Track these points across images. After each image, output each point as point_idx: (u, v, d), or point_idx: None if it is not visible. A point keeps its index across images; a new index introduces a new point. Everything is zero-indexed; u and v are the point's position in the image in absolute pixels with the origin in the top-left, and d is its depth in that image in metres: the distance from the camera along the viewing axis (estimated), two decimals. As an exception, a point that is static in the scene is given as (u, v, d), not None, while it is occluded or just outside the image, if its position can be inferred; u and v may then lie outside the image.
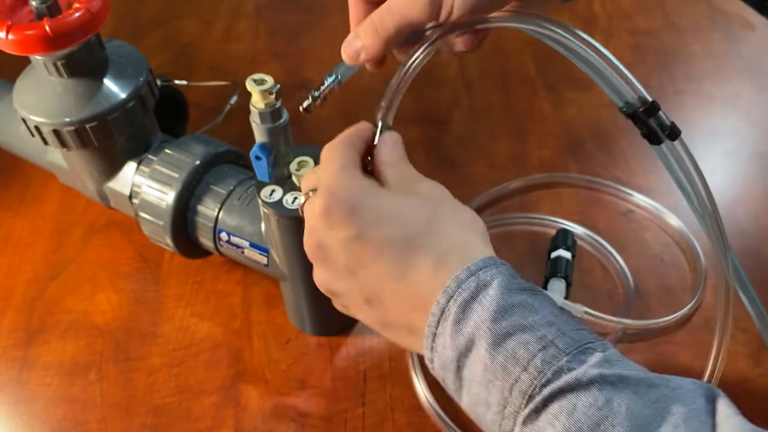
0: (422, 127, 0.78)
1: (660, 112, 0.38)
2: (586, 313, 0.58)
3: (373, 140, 0.40)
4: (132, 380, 0.57)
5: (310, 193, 0.38)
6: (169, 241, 0.56)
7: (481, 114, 0.80)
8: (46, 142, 0.55)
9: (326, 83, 0.41)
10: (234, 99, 0.75)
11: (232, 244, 0.55)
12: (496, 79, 0.83)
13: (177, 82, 0.70)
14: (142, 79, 0.55)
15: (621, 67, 0.37)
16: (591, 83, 0.89)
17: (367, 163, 0.39)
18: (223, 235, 0.55)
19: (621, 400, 0.28)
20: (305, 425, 0.54)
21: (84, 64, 0.53)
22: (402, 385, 0.56)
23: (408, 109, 0.80)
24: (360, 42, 0.39)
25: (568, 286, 0.61)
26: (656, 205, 0.67)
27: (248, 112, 0.46)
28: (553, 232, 0.65)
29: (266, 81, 0.44)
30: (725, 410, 0.29)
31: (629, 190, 0.68)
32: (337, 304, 0.39)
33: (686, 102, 0.80)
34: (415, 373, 0.56)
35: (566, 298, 0.59)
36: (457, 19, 0.37)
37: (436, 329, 0.32)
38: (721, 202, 0.69)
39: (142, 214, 0.56)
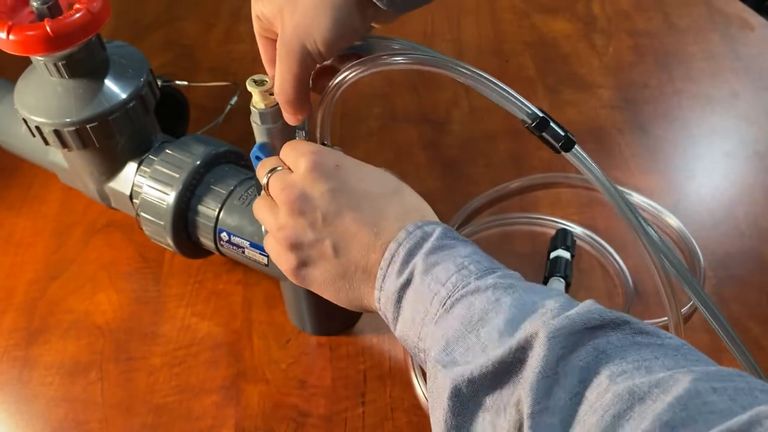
0: (422, 127, 0.79)
1: (552, 125, 0.40)
2: (586, 312, 0.58)
3: None
4: (133, 380, 0.58)
5: (272, 173, 0.43)
6: (169, 241, 0.56)
7: (481, 114, 0.80)
8: (47, 143, 0.55)
9: (299, 136, 0.46)
10: (234, 99, 0.76)
11: (233, 244, 0.55)
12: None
13: (178, 82, 0.71)
14: (142, 79, 0.56)
15: (506, 88, 0.41)
16: (590, 84, 0.90)
17: None
18: (224, 235, 0.55)
19: (507, 297, 0.35)
20: (305, 424, 0.54)
21: (85, 64, 0.53)
22: (402, 385, 0.56)
23: (408, 110, 0.81)
24: (288, 107, 0.43)
25: (568, 285, 0.61)
26: (655, 205, 0.67)
27: (248, 113, 0.46)
28: (553, 232, 0.66)
29: (266, 81, 0.44)
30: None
31: (628, 191, 0.69)
32: (294, 261, 0.42)
33: (685, 102, 0.80)
34: (415, 373, 0.56)
35: (565, 297, 0.59)
36: (335, 60, 0.43)
37: (386, 271, 0.39)
38: (720, 203, 0.70)
39: (143, 214, 0.57)
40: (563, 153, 0.41)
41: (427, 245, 0.38)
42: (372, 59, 0.41)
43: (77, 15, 0.49)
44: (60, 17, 0.49)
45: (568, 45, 0.89)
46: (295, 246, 0.41)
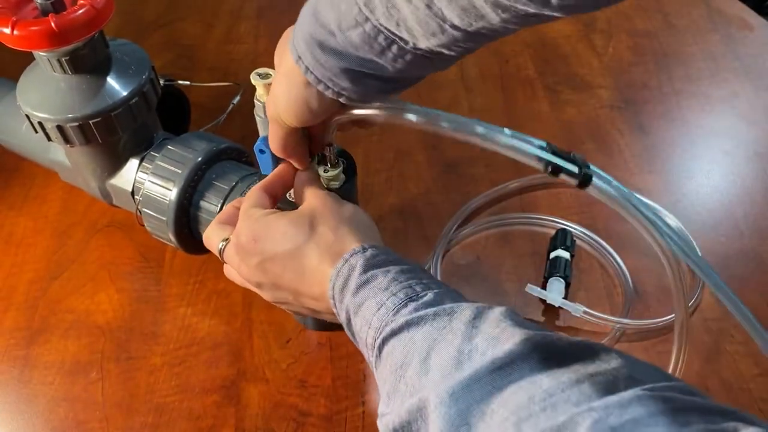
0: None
1: (566, 167, 0.38)
2: (585, 312, 0.58)
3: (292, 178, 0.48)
4: (133, 379, 0.57)
5: (223, 243, 0.47)
6: (171, 236, 0.56)
7: (481, 115, 0.80)
8: (49, 139, 0.55)
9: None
10: (237, 99, 0.76)
11: (234, 242, 0.55)
12: (496, 81, 0.84)
13: (180, 82, 0.71)
14: (145, 76, 0.56)
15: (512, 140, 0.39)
16: (590, 84, 0.90)
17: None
18: (226, 232, 0.55)
19: (419, 333, 0.36)
20: (305, 424, 0.54)
21: (88, 60, 0.53)
22: (402, 384, 0.56)
23: (408, 110, 0.81)
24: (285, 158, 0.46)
25: (567, 285, 0.61)
26: (654, 205, 0.68)
27: (249, 114, 0.46)
28: (552, 232, 0.66)
29: (270, 75, 0.44)
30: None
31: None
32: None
33: (684, 102, 0.81)
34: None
35: (565, 297, 0.59)
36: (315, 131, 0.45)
37: (335, 308, 0.42)
38: (720, 203, 0.70)
39: (145, 210, 0.57)
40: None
41: (352, 284, 0.40)
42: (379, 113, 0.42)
43: (81, 11, 0.49)
44: (64, 13, 0.49)
45: (568, 45, 0.89)
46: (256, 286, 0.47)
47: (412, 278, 0.40)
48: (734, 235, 0.66)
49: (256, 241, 0.43)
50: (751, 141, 0.76)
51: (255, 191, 0.47)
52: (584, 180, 0.39)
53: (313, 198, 0.45)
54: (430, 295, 0.38)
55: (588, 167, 0.39)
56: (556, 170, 0.39)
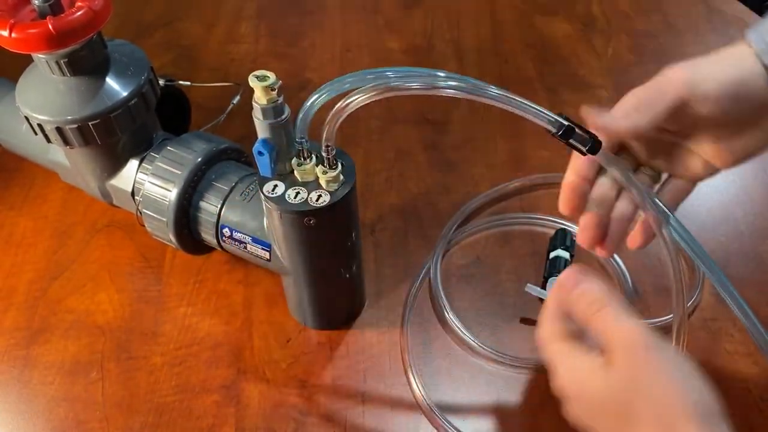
0: (422, 128, 0.79)
1: (578, 131, 0.41)
2: (586, 312, 0.58)
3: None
4: (133, 379, 0.58)
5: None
6: (171, 237, 0.57)
7: (481, 115, 0.80)
8: (49, 140, 0.55)
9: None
10: (237, 99, 0.76)
11: (235, 240, 0.55)
12: (495, 80, 0.83)
13: (181, 82, 0.71)
14: (143, 77, 0.56)
15: (530, 103, 0.41)
16: (590, 84, 0.90)
17: None
18: (226, 231, 0.55)
19: None
20: (305, 424, 0.54)
21: (86, 62, 0.53)
22: (402, 384, 0.56)
23: (408, 110, 0.81)
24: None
25: (568, 285, 0.61)
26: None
27: (249, 114, 0.46)
28: (552, 232, 0.66)
29: (268, 77, 0.44)
30: None
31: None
32: None
33: (685, 103, 0.80)
34: (415, 372, 0.56)
35: (566, 297, 0.59)
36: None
37: None
38: (719, 203, 0.70)
39: (145, 211, 0.57)
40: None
41: None
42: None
43: (79, 13, 0.49)
44: (62, 15, 0.49)
45: (568, 45, 0.89)
46: None
47: None
48: (734, 235, 0.66)
49: (577, 400, 0.38)
50: (750, 141, 0.76)
51: (554, 315, 0.40)
52: (593, 146, 0.40)
53: (625, 353, 0.36)
54: None
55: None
56: (568, 133, 0.40)
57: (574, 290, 0.39)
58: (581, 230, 0.47)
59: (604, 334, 0.37)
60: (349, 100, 0.41)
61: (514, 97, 0.40)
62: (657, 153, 0.46)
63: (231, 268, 0.65)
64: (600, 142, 0.41)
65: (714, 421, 0.33)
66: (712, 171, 0.45)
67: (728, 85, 0.40)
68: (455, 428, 0.53)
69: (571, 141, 0.41)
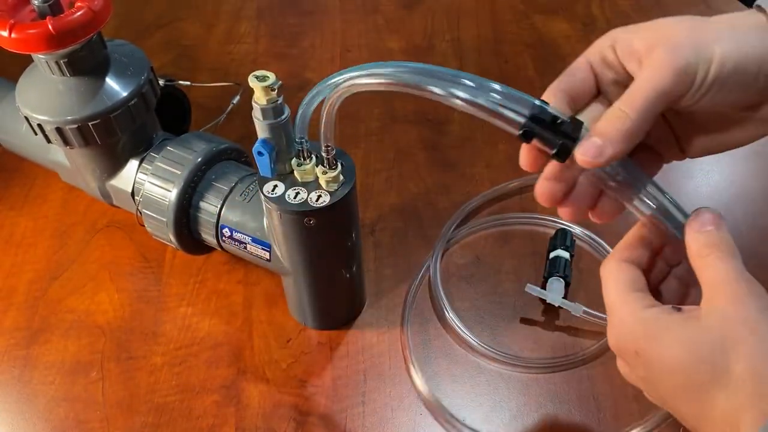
0: (422, 127, 0.79)
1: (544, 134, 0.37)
2: (585, 312, 0.58)
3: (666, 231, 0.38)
4: (134, 379, 0.58)
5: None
6: (171, 237, 0.57)
7: (481, 115, 0.80)
8: (49, 141, 0.55)
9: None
10: (237, 99, 0.76)
11: (235, 240, 0.55)
12: (495, 80, 0.84)
13: (181, 82, 0.71)
14: (143, 77, 0.56)
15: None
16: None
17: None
18: (226, 231, 0.55)
19: None
20: (306, 424, 0.54)
21: (86, 62, 0.53)
22: (402, 384, 0.56)
23: (408, 110, 0.81)
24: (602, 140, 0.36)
25: (567, 285, 0.61)
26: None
27: (249, 114, 0.46)
28: (552, 231, 0.66)
29: (268, 77, 0.44)
30: None
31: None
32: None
33: (685, 103, 0.80)
34: (415, 372, 0.56)
35: (565, 297, 0.59)
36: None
37: None
38: (719, 203, 0.70)
39: (145, 211, 0.57)
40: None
41: None
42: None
43: (79, 13, 0.49)
44: (61, 15, 0.49)
45: (568, 46, 0.89)
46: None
47: None
48: (734, 235, 0.66)
49: (639, 354, 0.35)
50: (750, 141, 0.76)
51: (621, 266, 0.39)
52: (561, 150, 0.36)
53: (725, 299, 0.34)
54: None
55: (575, 140, 0.36)
56: (529, 135, 0.36)
57: (708, 226, 0.37)
58: (540, 179, 0.40)
59: (708, 281, 0.35)
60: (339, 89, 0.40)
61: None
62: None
63: (231, 268, 0.65)
64: (570, 149, 0.37)
65: None
66: (679, 159, 0.42)
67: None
68: (459, 426, 0.53)
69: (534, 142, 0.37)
